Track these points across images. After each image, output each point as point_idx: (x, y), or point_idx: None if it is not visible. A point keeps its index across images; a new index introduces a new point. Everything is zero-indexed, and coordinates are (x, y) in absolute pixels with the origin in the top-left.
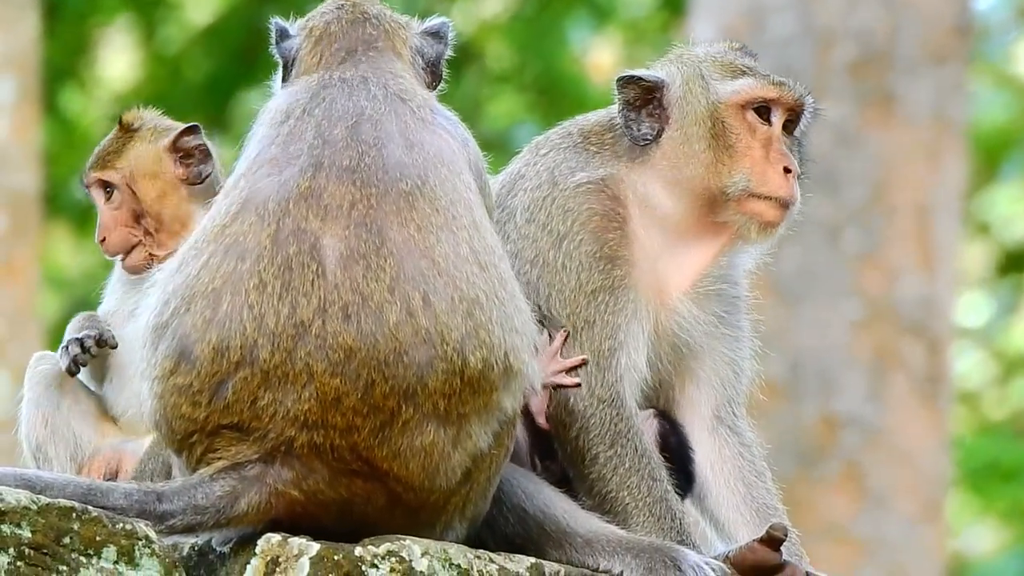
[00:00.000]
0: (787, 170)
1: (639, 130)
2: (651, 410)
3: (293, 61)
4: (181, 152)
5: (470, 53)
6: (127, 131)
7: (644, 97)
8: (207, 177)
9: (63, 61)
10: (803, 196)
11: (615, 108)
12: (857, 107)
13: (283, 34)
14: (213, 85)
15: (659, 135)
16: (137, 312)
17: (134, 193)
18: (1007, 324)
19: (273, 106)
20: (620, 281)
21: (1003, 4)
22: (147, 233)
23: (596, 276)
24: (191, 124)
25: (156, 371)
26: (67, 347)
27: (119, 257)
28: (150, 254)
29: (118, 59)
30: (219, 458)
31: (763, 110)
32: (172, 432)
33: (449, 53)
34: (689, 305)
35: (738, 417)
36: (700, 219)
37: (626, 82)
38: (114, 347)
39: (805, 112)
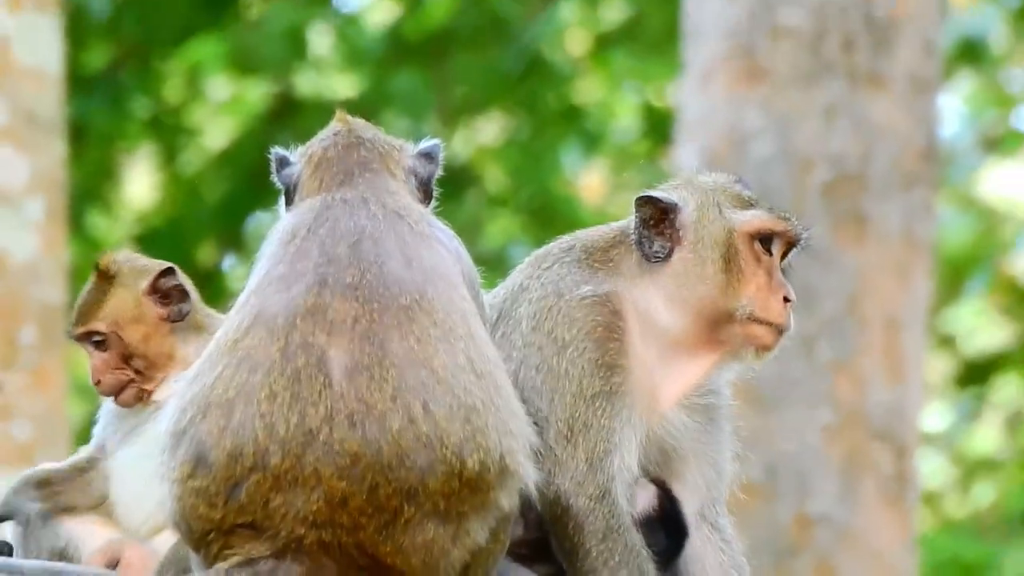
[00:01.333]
0: (786, 299)
1: (651, 247)
2: (650, 482)
3: (295, 187)
4: (159, 293)
5: (469, 176)
6: (105, 278)
7: (658, 217)
8: (187, 314)
9: (88, 183)
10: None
11: (614, 224)
12: (831, 226)
13: (283, 162)
14: (229, 205)
15: (670, 254)
16: (130, 438)
17: (121, 339)
18: (969, 430)
19: (280, 227)
20: (617, 387)
21: (967, 131)
22: (137, 372)
23: (596, 382)
24: (166, 267)
25: (175, 474)
26: None
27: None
28: (141, 389)
29: (140, 181)
30: (234, 554)
31: (766, 240)
32: (191, 531)
33: (440, 172)
34: (679, 414)
35: (720, 515)
36: (698, 336)
37: (644, 202)
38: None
39: (800, 245)
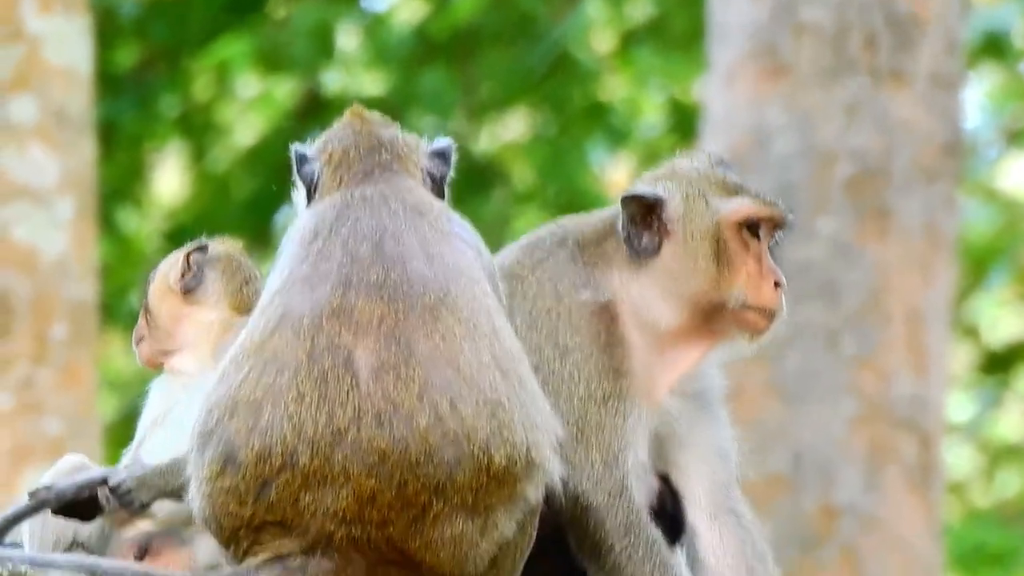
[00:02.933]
0: (777, 284)
1: (640, 244)
2: (654, 476)
3: (315, 184)
4: (187, 263)
5: (496, 173)
6: None
7: (645, 213)
8: (188, 292)
9: (118, 182)
10: (796, 304)
11: (604, 214)
12: (854, 221)
13: (303, 159)
14: (257, 202)
15: (659, 248)
16: (167, 420)
17: (147, 289)
18: (992, 419)
19: (301, 225)
20: (624, 389)
21: (988, 123)
22: (149, 327)
23: (605, 384)
24: (203, 244)
25: (204, 473)
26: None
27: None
28: (153, 348)
29: (169, 179)
30: (264, 551)
31: (753, 226)
32: (221, 528)
33: (452, 173)
34: (676, 402)
35: (736, 501)
36: (693, 327)
37: (629, 200)
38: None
39: (786, 228)
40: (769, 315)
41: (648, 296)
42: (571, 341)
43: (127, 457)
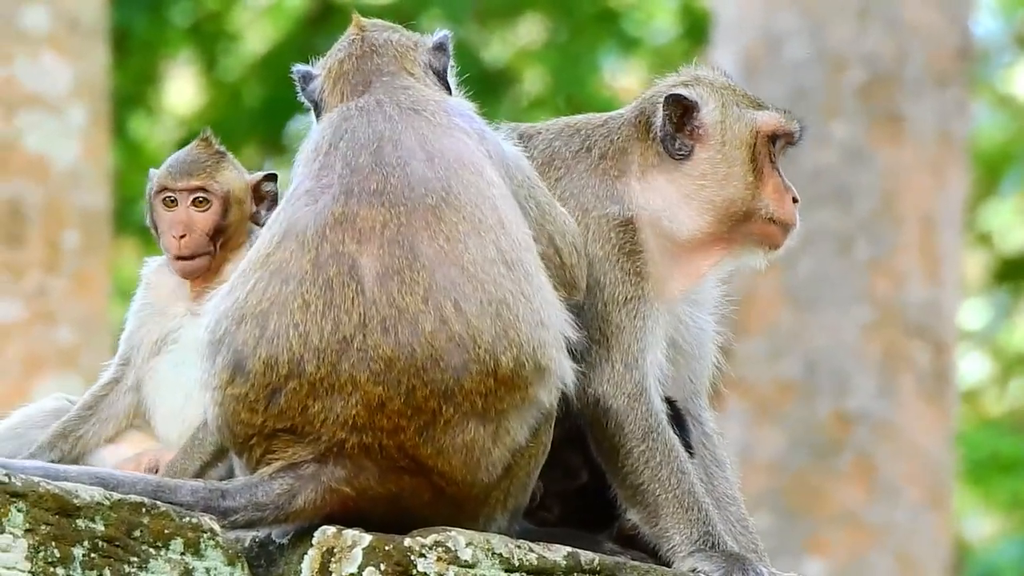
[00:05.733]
0: (795, 200)
1: (674, 145)
2: None
3: (320, 102)
4: (259, 194)
5: (508, 79)
6: (214, 152)
7: (682, 115)
8: (264, 223)
9: (131, 89)
10: (809, 210)
11: (620, 118)
12: (867, 126)
13: (306, 78)
14: (269, 110)
15: (691, 153)
16: (165, 345)
17: (227, 209)
18: (1006, 326)
19: (305, 147)
20: (646, 292)
21: (1000, 28)
22: (215, 247)
23: (629, 288)
24: (272, 172)
25: (215, 381)
26: None
27: (176, 261)
28: (207, 268)
29: (182, 87)
30: (277, 459)
31: (775, 140)
32: (233, 436)
33: (452, 64)
34: (686, 309)
35: (702, 408)
36: (716, 234)
37: (672, 100)
38: None
39: (795, 145)
40: (787, 230)
41: (672, 203)
42: (600, 251)
43: (104, 375)
